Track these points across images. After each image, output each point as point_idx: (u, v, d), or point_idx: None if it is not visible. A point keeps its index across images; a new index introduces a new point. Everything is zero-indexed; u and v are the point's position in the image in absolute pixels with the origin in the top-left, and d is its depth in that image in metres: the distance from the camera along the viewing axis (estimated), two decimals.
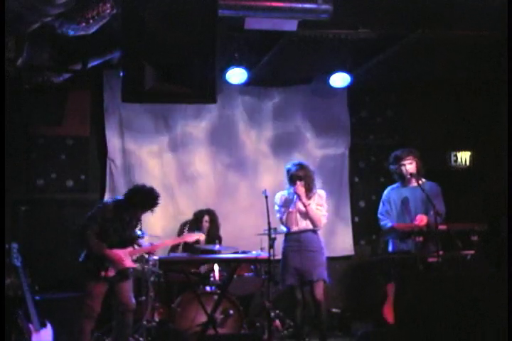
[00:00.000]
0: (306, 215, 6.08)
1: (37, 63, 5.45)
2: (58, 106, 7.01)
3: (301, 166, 6.11)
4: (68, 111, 7.09)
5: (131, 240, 5.83)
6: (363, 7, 5.28)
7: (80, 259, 5.74)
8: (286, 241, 6.15)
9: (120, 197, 5.87)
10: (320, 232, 6.20)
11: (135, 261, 5.85)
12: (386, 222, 6.12)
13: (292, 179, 6.08)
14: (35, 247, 6.78)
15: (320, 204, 6.15)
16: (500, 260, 6.04)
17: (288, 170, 6.13)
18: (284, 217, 6.09)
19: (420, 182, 5.91)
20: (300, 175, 6.04)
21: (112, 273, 5.63)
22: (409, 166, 6.06)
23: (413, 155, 6.11)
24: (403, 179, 6.15)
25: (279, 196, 6.19)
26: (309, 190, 6.10)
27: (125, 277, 5.74)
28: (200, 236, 6.30)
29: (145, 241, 6.06)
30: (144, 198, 5.66)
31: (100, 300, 5.62)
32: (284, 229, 6.17)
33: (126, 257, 5.69)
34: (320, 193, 6.21)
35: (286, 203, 6.12)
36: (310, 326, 6.43)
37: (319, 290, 5.92)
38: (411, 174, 6.04)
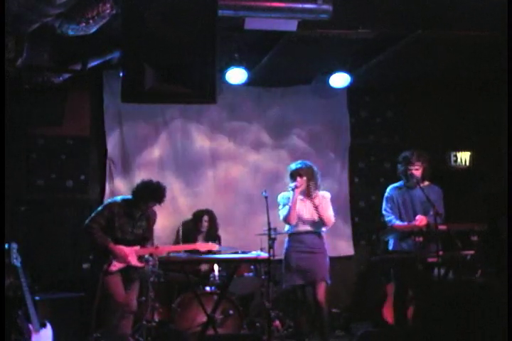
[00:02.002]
0: (312, 215, 6.01)
1: (37, 63, 5.45)
2: (58, 106, 7.02)
3: (302, 164, 6.05)
4: (68, 111, 7.10)
5: (139, 240, 5.84)
6: (363, 7, 5.28)
7: (91, 258, 5.80)
8: (289, 241, 6.10)
9: (129, 196, 5.91)
10: (324, 234, 6.15)
11: (146, 262, 5.85)
12: (391, 218, 6.11)
13: (292, 175, 6.01)
14: (35, 247, 6.78)
15: (325, 206, 6.05)
16: (500, 260, 6.04)
17: (290, 168, 6.07)
18: (286, 214, 5.98)
19: (422, 185, 5.90)
20: (300, 172, 5.97)
21: (115, 267, 5.64)
22: (415, 172, 6.04)
23: (422, 161, 6.03)
24: (407, 179, 6.15)
25: (282, 196, 6.12)
26: (309, 190, 6.02)
27: (133, 278, 5.77)
28: (213, 247, 6.24)
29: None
30: (153, 191, 5.72)
31: (122, 294, 5.66)
32: (286, 228, 6.13)
33: (131, 254, 5.71)
34: (324, 195, 6.11)
35: (288, 201, 6.02)
36: (310, 326, 6.42)
37: (321, 292, 5.89)
38: (415, 177, 6.01)
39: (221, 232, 7.13)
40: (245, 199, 7.56)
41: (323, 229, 6.09)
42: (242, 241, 7.03)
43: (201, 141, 7.57)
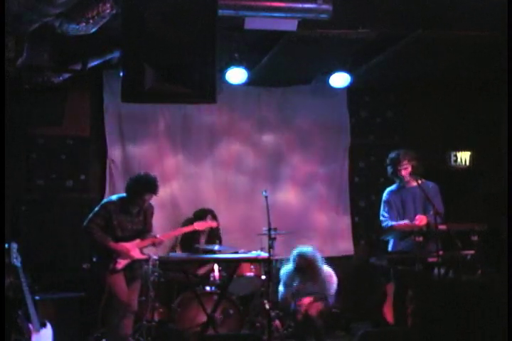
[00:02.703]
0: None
1: (37, 63, 5.45)
2: (58, 106, 7.00)
3: (301, 257, 6.30)
4: (68, 111, 7.08)
5: (139, 234, 5.84)
6: (363, 7, 5.28)
7: (94, 260, 5.80)
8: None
9: (124, 194, 5.91)
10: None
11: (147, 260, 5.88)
12: (387, 223, 6.12)
13: (295, 268, 6.34)
14: (35, 247, 6.77)
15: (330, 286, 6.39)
16: (500, 260, 6.04)
17: (293, 259, 6.35)
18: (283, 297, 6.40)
19: (420, 181, 5.90)
20: (303, 268, 6.26)
21: (120, 265, 5.65)
22: (404, 171, 6.04)
23: (408, 159, 6.03)
24: (399, 180, 6.16)
25: (284, 272, 6.46)
26: (315, 278, 6.31)
27: (136, 276, 5.78)
28: (212, 224, 6.32)
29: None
30: (145, 183, 5.73)
31: (126, 293, 5.67)
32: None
33: (133, 249, 5.73)
34: (330, 274, 6.44)
35: (289, 282, 6.40)
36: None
37: (315, 308, 6.12)
38: (409, 175, 6.01)
39: (221, 232, 7.12)
40: (245, 198, 7.55)
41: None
42: (242, 241, 7.04)
43: (201, 140, 7.57)
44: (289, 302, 6.30)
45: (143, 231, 5.89)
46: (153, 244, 5.87)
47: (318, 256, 6.36)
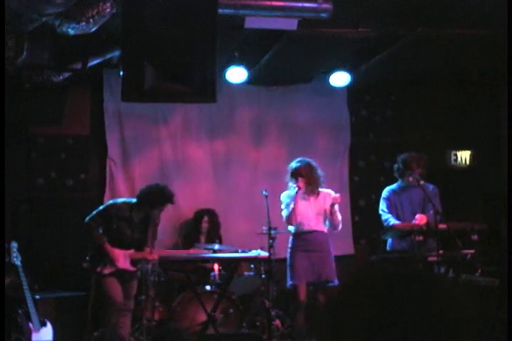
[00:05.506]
0: (316, 214, 6.05)
1: (37, 62, 5.45)
2: (58, 105, 7.01)
3: (302, 162, 6.04)
4: (68, 110, 7.09)
5: (137, 243, 5.82)
6: (363, 6, 5.27)
7: (87, 258, 5.80)
8: (293, 240, 6.09)
9: (132, 199, 5.90)
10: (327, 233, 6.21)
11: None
12: (388, 217, 6.11)
13: (292, 175, 6.03)
14: (35, 246, 6.77)
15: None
16: (500, 260, 6.04)
17: (290, 167, 6.07)
18: (288, 215, 6.00)
19: (422, 182, 5.89)
20: (301, 172, 5.98)
21: (107, 270, 5.64)
22: (413, 177, 5.99)
23: (421, 167, 5.98)
24: (403, 180, 6.14)
25: (284, 195, 6.15)
26: (312, 188, 6.04)
27: (129, 278, 5.77)
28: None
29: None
30: (166, 194, 5.72)
31: (119, 294, 5.66)
32: (290, 228, 6.12)
33: (124, 258, 5.69)
34: (330, 193, 6.13)
35: (291, 201, 6.04)
36: (310, 326, 6.43)
37: (326, 294, 5.99)
38: (415, 180, 5.97)
39: (221, 231, 7.12)
40: (245, 197, 7.55)
41: (331, 228, 6.14)
42: (242, 240, 7.04)
43: (201, 140, 7.57)
44: (291, 221, 5.97)
45: (142, 240, 5.84)
46: (146, 260, 5.81)
47: (317, 167, 6.11)
